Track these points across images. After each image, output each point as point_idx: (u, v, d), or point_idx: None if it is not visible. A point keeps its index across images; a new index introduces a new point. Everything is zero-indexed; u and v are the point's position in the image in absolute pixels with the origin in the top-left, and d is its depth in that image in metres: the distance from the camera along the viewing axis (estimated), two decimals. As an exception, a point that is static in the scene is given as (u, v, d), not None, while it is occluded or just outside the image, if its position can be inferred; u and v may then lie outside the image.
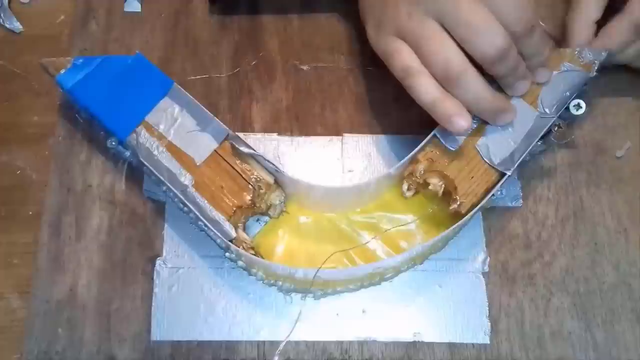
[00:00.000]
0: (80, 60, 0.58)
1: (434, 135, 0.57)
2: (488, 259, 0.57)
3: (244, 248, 0.53)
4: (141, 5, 0.68)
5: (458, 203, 0.54)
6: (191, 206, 0.53)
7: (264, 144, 0.61)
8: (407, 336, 0.55)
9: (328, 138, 0.62)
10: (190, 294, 0.56)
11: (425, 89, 0.52)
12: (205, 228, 0.53)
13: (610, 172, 0.61)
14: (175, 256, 0.57)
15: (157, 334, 0.54)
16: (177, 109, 0.57)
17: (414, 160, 0.57)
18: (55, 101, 0.63)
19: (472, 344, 0.55)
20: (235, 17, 0.68)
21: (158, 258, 0.57)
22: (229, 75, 0.65)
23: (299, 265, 0.54)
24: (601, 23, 0.61)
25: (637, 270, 0.58)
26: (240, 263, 0.53)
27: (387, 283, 0.56)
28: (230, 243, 0.52)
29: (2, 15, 0.66)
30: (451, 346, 0.55)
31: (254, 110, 0.63)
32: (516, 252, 0.58)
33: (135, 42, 0.66)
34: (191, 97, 0.57)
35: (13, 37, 0.66)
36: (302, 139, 0.62)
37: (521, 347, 0.55)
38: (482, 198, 0.55)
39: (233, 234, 0.52)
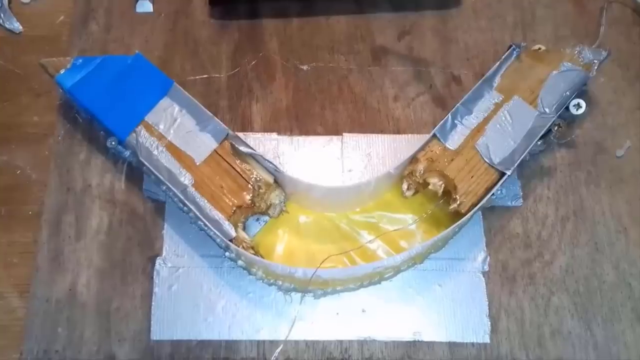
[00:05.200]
0: (80, 60, 0.58)
1: (434, 135, 0.57)
2: (488, 258, 0.57)
3: (243, 247, 0.53)
4: (152, 5, 0.68)
5: (458, 202, 0.54)
6: (191, 206, 0.53)
7: (264, 143, 0.61)
8: (407, 335, 0.55)
9: (328, 137, 0.62)
10: (190, 294, 0.56)
11: None
12: (205, 227, 0.53)
13: (610, 171, 0.61)
14: (175, 255, 0.57)
15: (157, 333, 0.54)
16: (176, 108, 0.57)
17: (413, 160, 0.57)
18: (55, 101, 0.63)
19: (472, 343, 0.55)
20: (234, 17, 0.68)
21: (158, 257, 0.57)
22: (229, 75, 0.65)
23: (299, 264, 0.54)
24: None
25: (637, 269, 0.58)
26: (240, 262, 0.53)
27: (387, 282, 0.56)
28: (230, 242, 0.52)
29: (2, 15, 0.66)
30: (451, 345, 0.55)
31: (254, 110, 0.63)
32: (516, 252, 0.58)
33: (134, 42, 0.66)
34: (191, 97, 0.58)
35: (13, 37, 0.66)
36: (301, 139, 0.62)
37: (521, 346, 0.55)
38: (482, 197, 0.55)
39: (233, 233, 0.52)
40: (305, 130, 0.63)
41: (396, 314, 0.56)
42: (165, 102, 0.57)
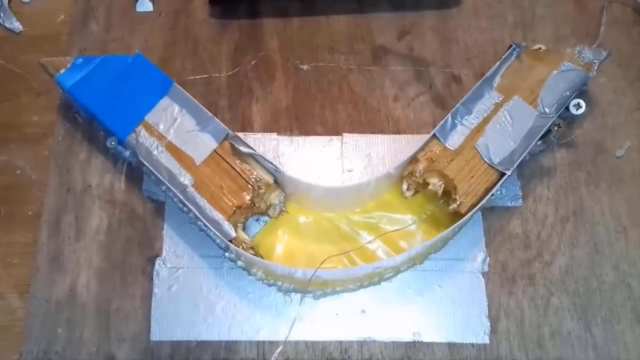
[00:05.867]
0: (80, 60, 0.58)
1: (434, 135, 0.57)
2: (488, 259, 0.57)
3: (243, 248, 0.53)
4: (152, 4, 0.68)
5: (458, 203, 0.54)
6: (191, 206, 0.53)
7: (264, 143, 0.61)
8: (406, 336, 0.55)
9: (328, 138, 0.62)
10: (189, 294, 0.56)
11: None
12: (205, 228, 0.53)
13: (610, 171, 0.61)
14: (174, 256, 0.57)
15: (156, 334, 0.54)
16: (176, 108, 0.57)
17: (413, 160, 0.57)
18: (54, 101, 0.63)
19: (472, 344, 0.55)
20: (235, 16, 0.68)
21: (157, 258, 0.57)
22: (229, 74, 0.65)
23: (299, 265, 0.54)
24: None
25: (637, 270, 0.58)
26: (239, 263, 0.53)
27: (386, 283, 0.56)
28: (229, 243, 0.52)
29: (2, 15, 0.66)
30: (451, 346, 0.55)
31: (254, 110, 0.63)
32: (516, 252, 0.58)
33: (135, 42, 0.66)
34: (191, 96, 0.58)
35: (13, 37, 0.66)
36: (301, 139, 0.62)
37: (521, 347, 0.55)
38: (482, 198, 0.55)
39: (232, 233, 0.52)
40: (305, 130, 0.62)
41: (396, 314, 0.56)
42: (165, 102, 0.57)
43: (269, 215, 0.58)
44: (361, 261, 0.56)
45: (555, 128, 0.58)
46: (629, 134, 0.63)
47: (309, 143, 0.62)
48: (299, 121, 0.63)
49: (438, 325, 0.55)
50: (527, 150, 0.56)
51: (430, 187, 0.55)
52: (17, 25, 0.66)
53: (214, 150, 0.56)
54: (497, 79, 0.60)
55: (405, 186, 0.58)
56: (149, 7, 0.68)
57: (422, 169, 0.56)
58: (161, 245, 0.57)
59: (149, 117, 0.57)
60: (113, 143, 0.57)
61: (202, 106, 0.57)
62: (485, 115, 0.58)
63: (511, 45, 0.61)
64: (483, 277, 0.57)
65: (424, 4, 0.69)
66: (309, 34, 0.67)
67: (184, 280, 0.56)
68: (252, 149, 0.56)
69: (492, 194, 0.55)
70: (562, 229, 0.59)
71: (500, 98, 0.58)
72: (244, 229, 0.56)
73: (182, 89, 0.58)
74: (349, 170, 0.60)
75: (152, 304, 0.55)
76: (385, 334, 0.55)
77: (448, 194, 0.55)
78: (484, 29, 0.68)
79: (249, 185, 0.54)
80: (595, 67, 0.59)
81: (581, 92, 0.60)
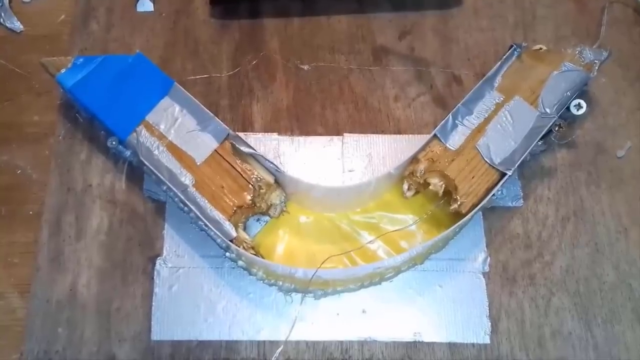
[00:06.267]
0: (81, 60, 0.58)
1: (435, 135, 0.57)
2: (488, 259, 0.57)
3: (244, 248, 0.53)
4: (153, 4, 0.68)
5: (459, 203, 0.54)
6: (191, 206, 0.53)
7: (265, 143, 0.61)
8: (407, 336, 0.55)
9: (328, 138, 0.62)
10: (190, 294, 0.56)
11: None
12: (206, 228, 0.53)
13: (610, 172, 0.61)
14: (175, 256, 0.57)
15: (157, 334, 0.54)
16: (177, 108, 0.57)
17: (414, 160, 0.57)
18: (55, 101, 0.63)
19: (473, 344, 0.55)
20: (235, 16, 0.68)
21: (158, 257, 0.57)
22: (230, 74, 0.65)
23: (300, 265, 0.54)
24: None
25: (637, 270, 0.58)
26: (240, 263, 0.53)
27: (387, 283, 0.56)
28: (230, 243, 0.52)
29: (2, 14, 0.66)
30: (451, 346, 0.55)
31: (255, 110, 0.63)
32: (516, 252, 0.58)
33: (135, 42, 0.66)
34: (192, 96, 0.58)
35: (14, 37, 0.66)
36: (302, 139, 0.62)
37: (521, 347, 0.55)
38: (483, 198, 0.55)
39: (233, 233, 0.52)
40: (306, 131, 0.62)
41: (396, 314, 0.56)
42: (166, 101, 0.57)
43: (269, 215, 0.58)
44: (362, 261, 0.56)
45: (556, 128, 0.58)
46: (629, 135, 0.63)
47: (310, 143, 0.62)
48: (300, 121, 0.63)
49: (439, 325, 0.55)
50: (528, 151, 0.56)
51: (431, 187, 0.55)
52: (17, 25, 0.66)
53: (215, 150, 0.55)
54: (498, 79, 0.60)
55: (406, 186, 0.58)
56: (150, 7, 0.68)
57: (423, 169, 0.56)
58: (162, 245, 0.57)
59: (150, 117, 0.57)
60: (114, 143, 0.57)
61: (202, 106, 0.57)
62: (486, 115, 0.58)
63: (512, 46, 0.61)
64: (484, 277, 0.57)
65: (425, 4, 0.69)
66: (310, 34, 0.67)
67: (184, 280, 0.56)
68: (253, 148, 0.56)
69: (493, 194, 0.55)
70: (562, 229, 0.59)
71: (501, 98, 0.58)
72: (244, 229, 0.56)
73: (183, 89, 0.58)
74: (350, 170, 0.60)
75: (153, 303, 0.55)
76: (386, 334, 0.55)
77: (449, 194, 0.55)
78: (485, 29, 0.68)
79: (250, 185, 0.54)
80: (596, 68, 0.59)
81: (582, 92, 0.60)
